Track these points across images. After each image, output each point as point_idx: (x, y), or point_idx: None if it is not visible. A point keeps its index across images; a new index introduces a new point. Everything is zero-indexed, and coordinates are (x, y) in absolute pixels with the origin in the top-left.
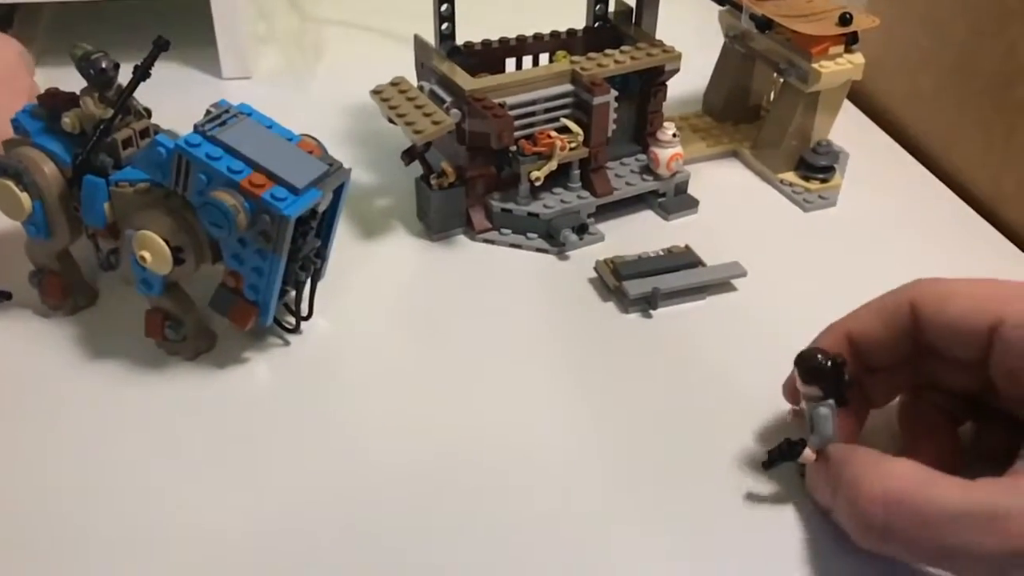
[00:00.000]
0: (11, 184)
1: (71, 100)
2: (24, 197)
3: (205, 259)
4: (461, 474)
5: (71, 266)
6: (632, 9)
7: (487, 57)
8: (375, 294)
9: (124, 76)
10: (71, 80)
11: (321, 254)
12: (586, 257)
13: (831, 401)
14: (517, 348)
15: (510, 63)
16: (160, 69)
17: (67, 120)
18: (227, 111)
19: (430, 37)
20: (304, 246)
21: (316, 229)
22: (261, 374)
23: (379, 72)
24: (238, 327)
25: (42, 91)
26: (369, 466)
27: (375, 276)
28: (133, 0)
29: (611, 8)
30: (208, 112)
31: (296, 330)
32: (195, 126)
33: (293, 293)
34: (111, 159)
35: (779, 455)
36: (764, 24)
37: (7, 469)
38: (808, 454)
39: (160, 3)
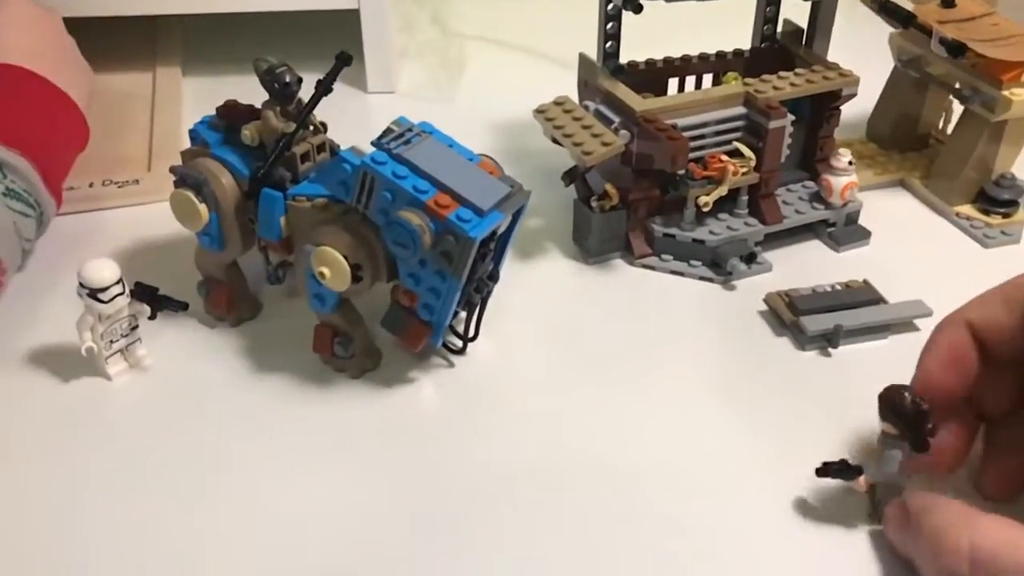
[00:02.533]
0: (191, 195)
1: (250, 113)
2: (202, 208)
3: (380, 277)
4: (620, 506)
5: (239, 278)
6: (801, 30)
7: (651, 77)
8: (534, 317)
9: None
10: (219, 90)
11: (494, 276)
12: (752, 288)
13: (905, 444)
14: (685, 381)
15: (672, 83)
16: (305, 82)
17: (247, 133)
18: (410, 129)
19: (579, 54)
20: (480, 268)
21: (493, 251)
22: (427, 395)
23: (522, 89)
24: (410, 347)
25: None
26: (533, 489)
27: (532, 299)
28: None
29: (779, 28)
30: (389, 130)
31: (462, 351)
32: (379, 144)
33: (462, 314)
34: (289, 173)
35: (834, 472)
36: (957, 50)
37: (169, 476)
38: (860, 483)
39: (302, 16)
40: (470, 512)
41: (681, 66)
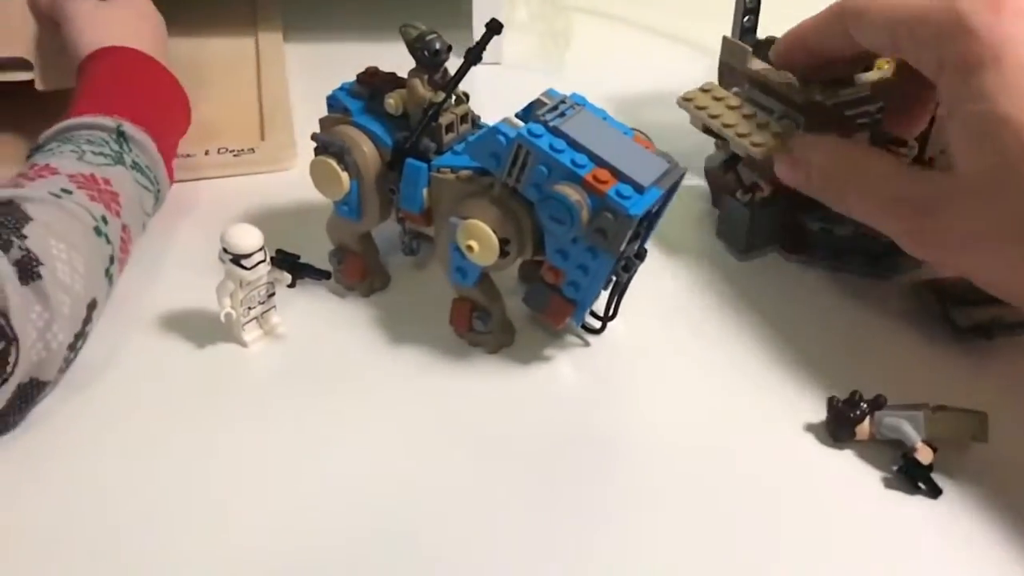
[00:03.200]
0: (333, 162)
1: (392, 81)
2: (344, 176)
3: (526, 252)
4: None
5: (371, 248)
6: None
7: None
8: (671, 305)
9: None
10: (321, 56)
11: (641, 255)
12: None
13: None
14: (824, 379)
15: None
16: (403, 51)
17: (391, 101)
18: (563, 101)
19: (723, 37)
20: (629, 246)
21: (646, 229)
22: (566, 374)
23: (630, 65)
24: (553, 324)
25: None
26: (666, 483)
27: (668, 286)
28: None
29: None
30: (541, 102)
31: (600, 331)
32: (535, 116)
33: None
34: (434, 144)
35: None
36: None
37: (303, 445)
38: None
39: None
40: (605, 493)
41: None
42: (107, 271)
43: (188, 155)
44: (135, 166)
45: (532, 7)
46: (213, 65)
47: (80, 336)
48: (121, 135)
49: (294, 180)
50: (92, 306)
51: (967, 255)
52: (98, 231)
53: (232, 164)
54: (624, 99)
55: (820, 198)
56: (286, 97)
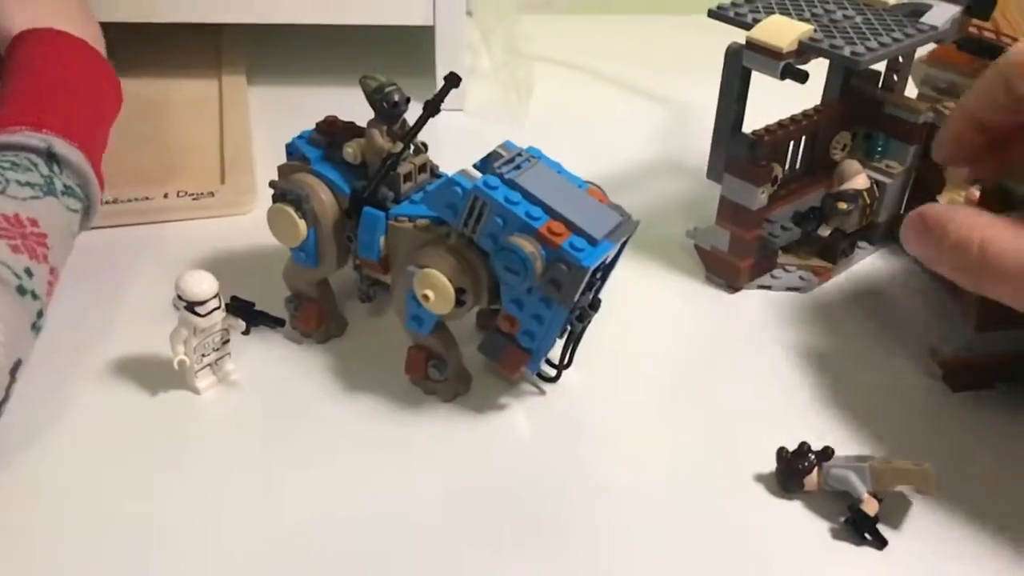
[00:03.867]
0: (290, 210)
1: (351, 130)
2: (301, 224)
3: (482, 301)
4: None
5: (328, 294)
6: (878, 73)
7: (776, 143)
8: (626, 352)
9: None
10: (284, 99)
11: (595, 305)
12: None
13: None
14: (792, 428)
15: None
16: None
17: (349, 151)
18: (519, 154)
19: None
20: (583, 297)
21: (599, 280)
22: (521, 423)
23: (591, 115)
24: (508, 373)
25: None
26: (617, 531)
27: (626, 328)
28: (350, 24)
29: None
30: (497, 154)
31: (555, 380)
32: (490, 168)
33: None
34: (392, 193)
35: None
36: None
37: (256, 493)
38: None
39: (367, 28)
40: (559, 540)
41: (799, 128)
42: (34, 325)
43: (147, 198)
44: (66, 191)
45: (495, 56)
46: (176, 106)
47: (3, 401)
48: (52, 157)
49: (253, 224)
50: (16, 367)
51: None
52: (22, 289)
53: (191, 208)
54: (586, 145)
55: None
56: (248, 140)
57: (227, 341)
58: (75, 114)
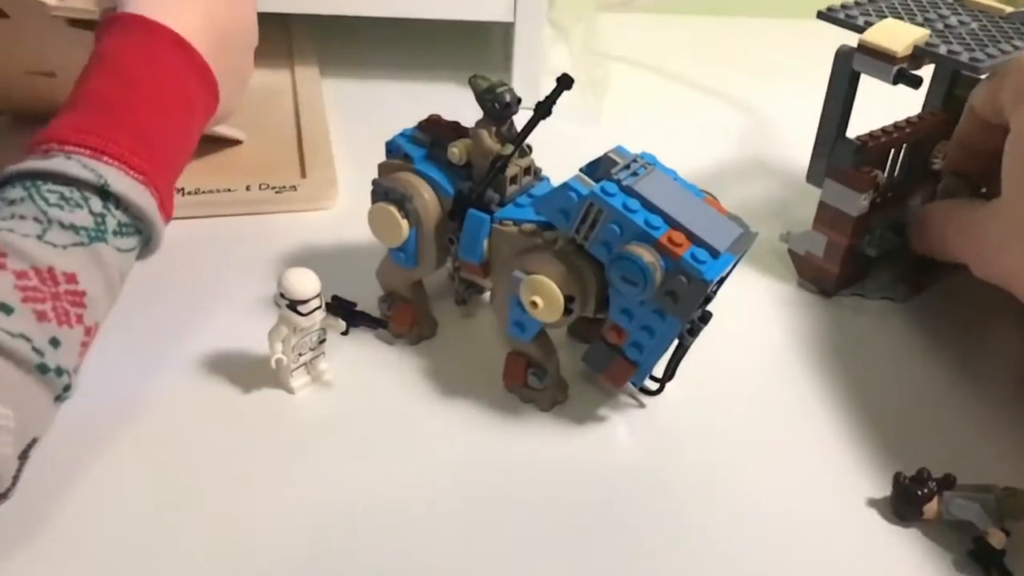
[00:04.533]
0: (393, 209)
1: (455, 129)
2: (404, 224)
3: (588, 310)
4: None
5: (422, 295)
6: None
7: (879, 151)
8: (729, 365)
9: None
10: (358, 92)
11: (706, 317)
12: None
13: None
14: (906, 451)
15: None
16: (439, 92)
17: (455, 151)
18: (635, 160)
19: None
20: (696, 309)
21: (715, 293)
22: (622, 437)
23: (669, 115)
24: (613, 386)
25: None
26: (720, 555)
27: (726, 336)
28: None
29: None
30: (612, 160)
31: (658, 392)
32: (608, 174)
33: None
34: (497, 195)
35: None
36: None
37: (347, 496)
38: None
39: (441, 24)
40: (659, 558)
41: (903, 136)
42: (58, 397)
43: (228, 189)
44: (120, 230)
45: (573, 54)
46: (250, 96)
47: (11, 487)
48: (105, 194)
49: (336, 219)
50: (30, 447)
51: (1001, 264)
52: (43, 368)
53: (273, 201)
54: (662, 150)
55: (938, 257)
56: (326, 134)
57: (323, 341)
58: (152, 132)
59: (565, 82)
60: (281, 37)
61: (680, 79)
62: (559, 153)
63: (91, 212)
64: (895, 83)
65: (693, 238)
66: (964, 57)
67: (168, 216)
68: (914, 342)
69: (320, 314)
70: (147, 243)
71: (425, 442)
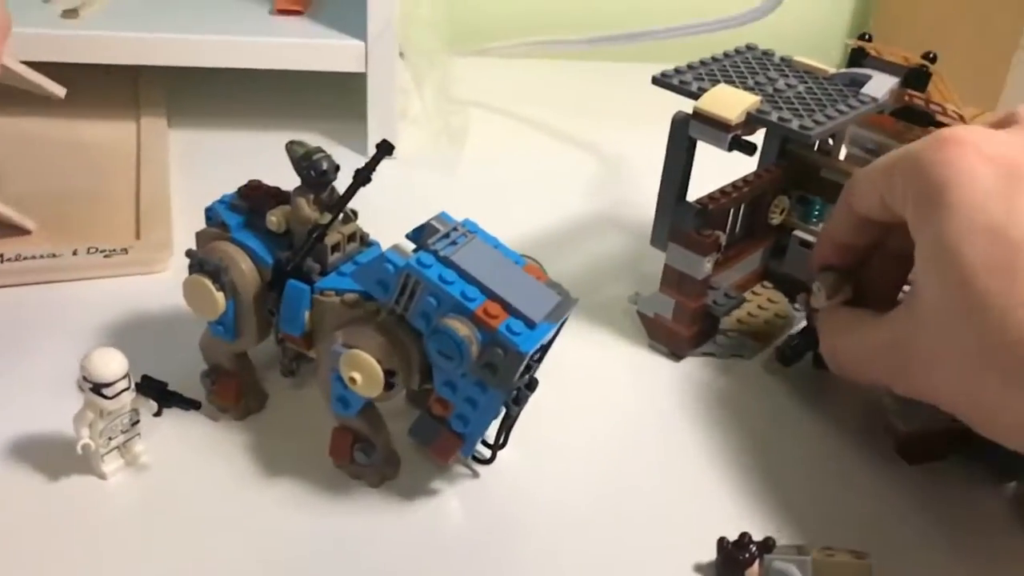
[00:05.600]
0: (208, 282)
1: (275, 196)
2: (219, 296)
3: (412, 383)
4: None
5: (248, 368)
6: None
7: (719, 211)
8: (563, 429)
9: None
10: (206, 144)
11: (532, 385)
12: None
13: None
14: (741, 513)
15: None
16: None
17: (273, 219)
18: (455, 228)
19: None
20: (520, 379)
21: (537, 361)
22: (454, 511)
23: (528, 163)
24: (440, 460)
25: None
26: None
27: (568, 398)
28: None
29: None
30: (432, 228)
31: (490, 461)
32: (424, 244)
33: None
34: (318, 264)
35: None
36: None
37: None
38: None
39: (295, 75)
40: None
41: (742, 195)
42: None
43: (53, 255)
44: None
45: (427, 101)
46: (90, 151)
47: None
48: None
49: (168, 283)
50: None
51: (930, 379)
52: None
53: (101, 266)
54: (520, 202)
55: (861, 383)
56: (166, 190)
57: (136, 422)
58: None
59: (385, 148)
60: (128, 85)
61: (540, 126)
62: (415, 205)
63: None
64: (730, 150)
65: (509, 309)
66: (794, 124)
67: None
68: (761, 402)
69: (129, 396)
70: None
71: (251, 523)
